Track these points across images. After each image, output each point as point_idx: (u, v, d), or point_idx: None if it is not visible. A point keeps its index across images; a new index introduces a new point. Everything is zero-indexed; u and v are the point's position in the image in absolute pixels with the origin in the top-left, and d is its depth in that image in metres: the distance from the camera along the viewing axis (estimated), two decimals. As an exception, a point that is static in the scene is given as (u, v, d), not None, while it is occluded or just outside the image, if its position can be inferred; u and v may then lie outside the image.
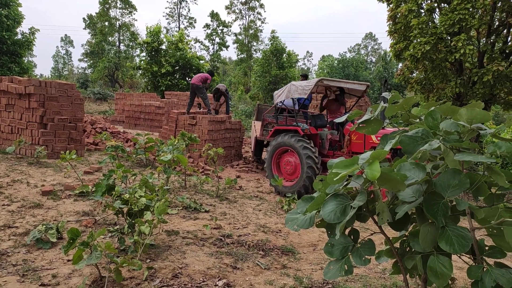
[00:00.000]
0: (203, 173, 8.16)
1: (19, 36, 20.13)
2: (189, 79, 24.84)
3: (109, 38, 44.35)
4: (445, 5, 10.44)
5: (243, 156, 11.22)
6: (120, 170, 4.86)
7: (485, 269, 1.53)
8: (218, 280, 3.15)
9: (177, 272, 3.24)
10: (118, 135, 9.88)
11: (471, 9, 9.48)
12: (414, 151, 1.62)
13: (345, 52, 52.98)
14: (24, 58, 20.55)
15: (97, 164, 7.06)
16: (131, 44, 45.73)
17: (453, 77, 10.43)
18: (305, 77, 10.52)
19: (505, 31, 10.14)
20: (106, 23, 44.24)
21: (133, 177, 5.61)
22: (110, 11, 44.85)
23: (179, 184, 6.87)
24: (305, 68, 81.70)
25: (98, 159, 7.80)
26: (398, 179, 1.54)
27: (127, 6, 45.30)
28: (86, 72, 49.26)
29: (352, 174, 1.60)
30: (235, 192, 7.12)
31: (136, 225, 3.57)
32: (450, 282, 1.92)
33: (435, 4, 10.39)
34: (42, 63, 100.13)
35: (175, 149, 6.57)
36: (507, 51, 9.98)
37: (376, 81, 38.30)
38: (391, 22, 11.25)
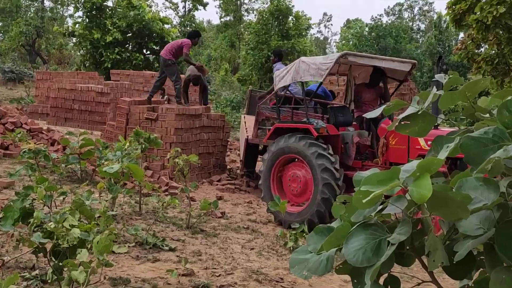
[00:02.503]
0: (167, 193, 8.16)
1: None
2: (148, 52, 24.89)
3: (28, -11, 44.20)
4: None
5: (228, 167, 11.30)
6: (42, 187, 4.88)
7: None
8: None
9: None
10: (40, 135, 9.80)
11: None
12: (482, 161, 1.61)
13: (380, 16, 53.89)
14: None
15: (6, 178, 7.00)
16: (61, -2, 45.68)
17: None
18: (278, 55, 10.63)
19: None
20: None
21: (61, 198, 5.60)
22: None
23: (131, 209, 6.90)
24: (321, 38, 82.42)
25: (9, 169, 7.76)
26: (458, 202, 1.53)
27: None
28: (-10, 39, 49.03)
29: (390, 194, 1.61)
30: (215, 221, 7.14)
31: (66, 269, 3.55)
32: None
33: None
34: None
35: (126, 156, 6.59)
36: None
37: (426, 58, 38.83)
38: None
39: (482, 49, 12.08)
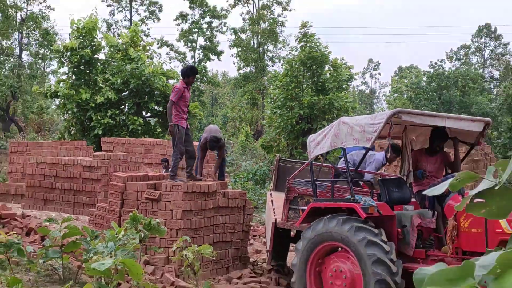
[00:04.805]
0: None
1: None
2: (148, 114, 25.36)
3: (3, 42, 46.04)
4: None
5: (251, 260, 11.24)
6: None
7: None
8: None
9: None
10: (13, 222, 9.79)
11: None
12: None
13: (440, 61, 54.23)
14: None
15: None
16: (42, 51, 47.48)
17: None
18: (193, 72, 10.71)
19: None
20: None
21: (37, 304, 5.55)
22: (6, -7, 47.13)
23: (126, 318, 6.76)
24: (367, 91, 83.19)
25: (-27, 268, 7.75)
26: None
27: (36, -15, 47.61)
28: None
29: None
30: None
31: None
32: None
33: None
34: None
35: (120, 247, 6.59)
36: None
37: (504, 113, 38.63)
38: None
39: None
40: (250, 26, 48.67)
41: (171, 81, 25.26)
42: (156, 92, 24.40)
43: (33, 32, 47.82)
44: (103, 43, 25.45)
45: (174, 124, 10.34)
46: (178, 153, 10.56)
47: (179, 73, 28.57)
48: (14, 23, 46.31)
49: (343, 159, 9.41)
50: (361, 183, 9.14)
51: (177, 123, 10.41)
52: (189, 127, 10.88)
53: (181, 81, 10.81)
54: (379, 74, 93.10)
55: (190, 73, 10.86)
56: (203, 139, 11.49)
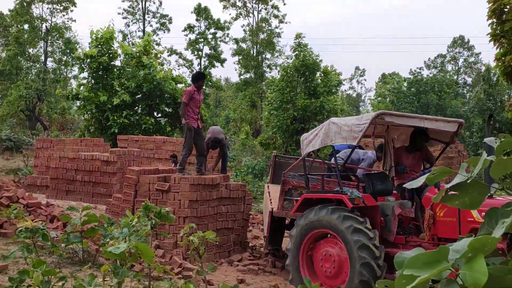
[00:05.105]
0: (180, 276, 8.15)
1: None
2: (159, 115, 25.36)
3: (30, 50, 45.99)
4: None
5: (250, 245, 11.24)
6: (39, 272, 4.86)
7: None
8: None
9: None
10: (38, 210, 9.80)
11: None
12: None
13: (419, 69, 54.07)
14: None
15: (0, 261, 6.97)
16: (65, 58, 47.51)
17: None
18: (202, 78, 10.74)
19: None
20: (26, 26, 46.03)
21: (60, 283, 5.54)
22: (33, 6, 47.12)
23: (139, 295, 6.71)
24: (354, 95, 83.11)
25: (2, 251, 7.71)
26: (519, 288, 1.52)
27: (60, -1, 47.59)
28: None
29: (438, 279, 1.59)
30: (235, 309, 6.95)
31: None
32: None
33: None
34: None
35: (134, 233, 6.53)
36: None
37: (475, 115, 38.63)
38: (494, 21, 11.52)
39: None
40: (250, 37, 48.61)
41: (179, 86, 25.24)
42: (166, 95, 24.39)
43: (57, 41, 47.87)
44: (119, 51, 25.41)
45: (188, 125, 10.39)
46: (187, 149, 10.56)
47: (187, 79, 28.65)
48: (40, 33, 46.66)
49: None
50: (353, 178, 9.14)
51: (188, 122, 10.43)
52: (200, 126, 10.82)
53: (192, 86, 10.83)
54: (365, 80, 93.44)
55: (199, 77, 10.91)
56: (207, 138, 11.48)
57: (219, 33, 49.17)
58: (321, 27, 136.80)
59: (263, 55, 48.83)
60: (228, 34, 49.78)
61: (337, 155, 8.83)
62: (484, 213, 1.89)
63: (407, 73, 70.34)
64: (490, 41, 11.58)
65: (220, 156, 12.06)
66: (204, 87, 44.48)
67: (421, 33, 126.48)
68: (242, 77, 48.50)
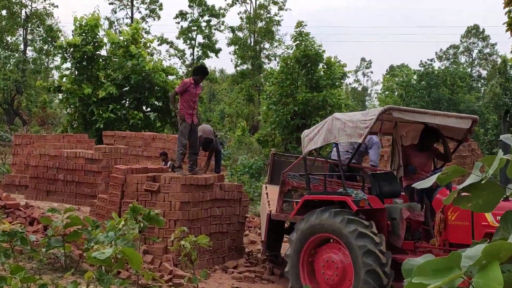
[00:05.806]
0: (170, 283, 8.21)
1: None
2: (148, 109, 25.21)
3: (8, 38, 45.29)
4: None
5: (246, 250, 11.44)
6: (17, 278, 4.93)
7: None
8: None
9: None
10: (16, 212, 9.83)
11: None
12: None
13: (430, 60, 54.08)
14: None
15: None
16: (46, 47, 46.88)
17: None
18: (201, 72, 10.65)
19: None
20: (4, 12, 44.31)
21: (40, 291, 5.63)
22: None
23: (125, 305, 6.76)
24: (359, 89, 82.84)
25: (-22, 256, 7.66)
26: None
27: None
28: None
29: (450, 287, 1.56)
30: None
31: None
32: None
33: None
34: None
35: (120, 237, 6.52)
36: None
37: (490, 111, 38.46)
38: (511, 8, 11.29)
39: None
40: (247, 25, 48.51)
41: (170, 77, 25.40)
42: (156, 87, 24.22)
43: (37, 29, 47.06)
44: (105, 40, 25.33)
45: (180, 114, 10.42)
46: (180, 145, 10.57)
47: (178, 70, 28.49)
48: (19, 19, 45.72)
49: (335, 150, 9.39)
50: (358, 178, 9.08)
51: (183, 116, 10.39)
52: (195, 122, 10.74)
53: (191, 77, 10.77)
54: (371, 72, 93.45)
55: (202, 72, 10.97)
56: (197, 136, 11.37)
57: (214, 21, 49.41)
58: (324, 14, 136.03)
59: (261, 45, 48.74)
60: (223, 21, 49.99)
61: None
62: (499, 217, 1.91)
63: (417, 65, 70.43)
64: (506, 30, 11.51)
65: (210, 157, 12.00)
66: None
67: (432, 21, 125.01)
68: (238, 68, 48.18)
